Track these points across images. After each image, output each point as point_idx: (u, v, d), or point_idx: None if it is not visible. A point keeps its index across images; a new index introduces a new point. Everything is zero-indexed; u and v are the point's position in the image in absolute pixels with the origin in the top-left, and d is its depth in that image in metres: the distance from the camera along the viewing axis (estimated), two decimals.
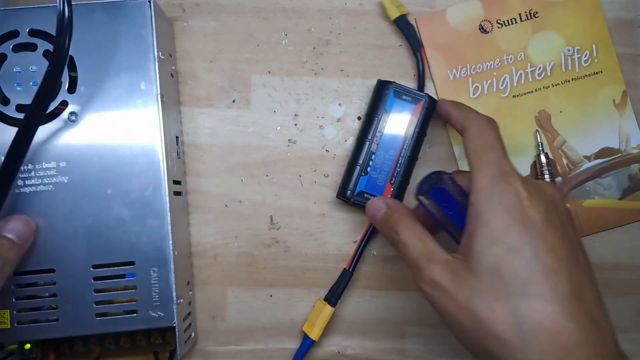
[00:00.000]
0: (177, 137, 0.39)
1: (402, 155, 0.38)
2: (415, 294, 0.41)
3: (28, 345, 0.37)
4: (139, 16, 0.36)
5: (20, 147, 0.32)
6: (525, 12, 0.43)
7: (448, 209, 0.32)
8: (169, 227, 0.35)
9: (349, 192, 0.38)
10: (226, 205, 0.41)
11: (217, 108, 0.42)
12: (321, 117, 0.42)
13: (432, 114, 0.39)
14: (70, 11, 0.31)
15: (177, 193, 0.38)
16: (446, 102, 0.37)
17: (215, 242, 0.41)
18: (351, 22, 0.42)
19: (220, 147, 0.41)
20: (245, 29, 0.42)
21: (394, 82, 0.39)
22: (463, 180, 0.33)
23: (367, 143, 0.38)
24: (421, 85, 0.41)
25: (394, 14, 0.41)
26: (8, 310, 0.35)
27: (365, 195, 0.38)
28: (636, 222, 0.43)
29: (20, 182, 0.35)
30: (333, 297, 0.40)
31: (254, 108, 0.42)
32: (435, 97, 0.41)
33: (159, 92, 0.35)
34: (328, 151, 0.42)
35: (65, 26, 0.31)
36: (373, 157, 0.38)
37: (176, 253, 0.35)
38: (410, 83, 0.42)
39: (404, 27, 0.41)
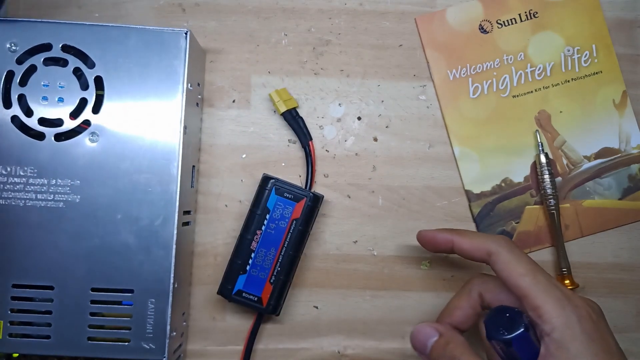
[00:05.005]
0: (193, 166, 0.39)
1: (282, 254, 0.37)
2: (415, 294, 0.41)
3: (16, 354, 0.36)
4: (174, 46, 0.35)
5: None
6: (525, 12, 0.43)
7: (526, 353, 0.28)
8: (173, 259, 0.35)
9: (227, 290, 0.38)
10: (226, 205, 0.41)
11: (217, 108, 0.42)
12: (321, 117, 0.42)
13: (316, 212, 0.38)
14: None
15: (186, 223, 0.38)
16: (441, 231, 0.34)
17: (215, 242, 0.41)
18: (351, 22, 0.42)
19: (220, 147, 0.41)
20: (245, 29, 0.42)
21: (276, 178, 0.38)
22: (507, 299, 0.31)
23: (247, 241, 0.37)
24: (309, 181, 0.40)
25: (282, 108, 0.40)
26: (2, 322, 0.34)
27: (244, 294, 0.38)
28: (636, 222, 0.42)
29: (32, 195, 0.34)
30: None
31: (254, 108, 0.42)
32: (320, 194, 0.39)
33: (182, 123, 0.35)
34: (328, 151, 0.42)
35: None
36: (252, 255, 0.37)
37: (176, 285, 0.35)
38: (410, 83, 0.42)
39: (291, 120, 0.41)
